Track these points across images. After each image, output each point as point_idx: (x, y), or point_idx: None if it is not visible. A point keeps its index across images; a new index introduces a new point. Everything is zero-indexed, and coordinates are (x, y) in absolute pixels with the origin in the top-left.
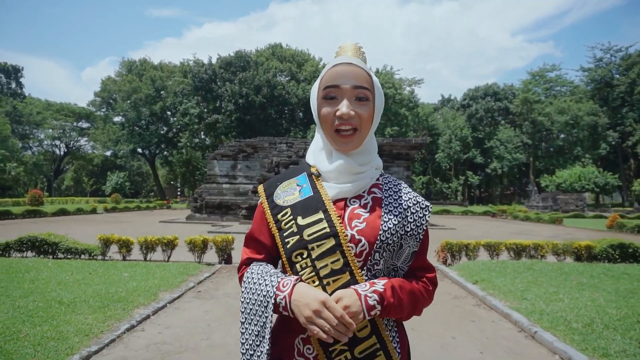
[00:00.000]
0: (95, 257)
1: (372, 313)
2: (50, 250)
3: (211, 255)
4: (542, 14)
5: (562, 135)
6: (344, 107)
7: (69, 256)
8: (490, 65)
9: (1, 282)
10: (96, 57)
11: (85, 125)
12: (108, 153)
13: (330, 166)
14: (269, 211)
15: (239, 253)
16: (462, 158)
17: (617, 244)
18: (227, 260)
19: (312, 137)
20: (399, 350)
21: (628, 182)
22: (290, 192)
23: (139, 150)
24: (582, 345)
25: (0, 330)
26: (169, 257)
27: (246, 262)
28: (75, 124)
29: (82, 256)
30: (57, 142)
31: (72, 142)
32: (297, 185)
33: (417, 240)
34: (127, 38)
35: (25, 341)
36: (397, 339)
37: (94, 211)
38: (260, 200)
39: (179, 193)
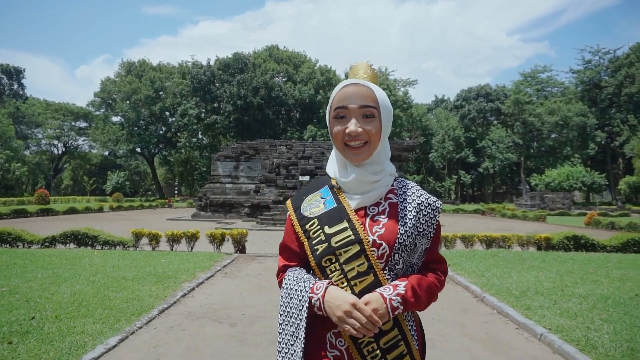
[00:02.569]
0: (128, 247)
1: (396, 313)
2: (90, 243)
3: (227, 247)
4: (538, 13)
5: (553, 135)
6: (351, 126)
7: (105, 247)
8: (486, 64)
9: (67, 266)
10: (90, 55)
11: (83, 125)
12: (106, 153)
13: (347, 179)
14: (297, 222)
15: (251, 245)
16: (455, 157)
17: (572, 236)
18: (242, 250)
19: (309, 137)
20: (416, 338)
21: (617, 180)
22: (315, 205)
23: (138, 150)
24: (513, 303)
25: (94, 294)
26: (192, 248)
27: (282, 269)
28: (73, 123)
29: (117, 247)
30: (55, 142)
31: (70, 142)
32: (321, 197)
33: (428, 238)
34: (122, 36)
35: (116, 300)
36: (415, 329)
37: (100, 210)
38: (289, 213)
39: (176, 192)
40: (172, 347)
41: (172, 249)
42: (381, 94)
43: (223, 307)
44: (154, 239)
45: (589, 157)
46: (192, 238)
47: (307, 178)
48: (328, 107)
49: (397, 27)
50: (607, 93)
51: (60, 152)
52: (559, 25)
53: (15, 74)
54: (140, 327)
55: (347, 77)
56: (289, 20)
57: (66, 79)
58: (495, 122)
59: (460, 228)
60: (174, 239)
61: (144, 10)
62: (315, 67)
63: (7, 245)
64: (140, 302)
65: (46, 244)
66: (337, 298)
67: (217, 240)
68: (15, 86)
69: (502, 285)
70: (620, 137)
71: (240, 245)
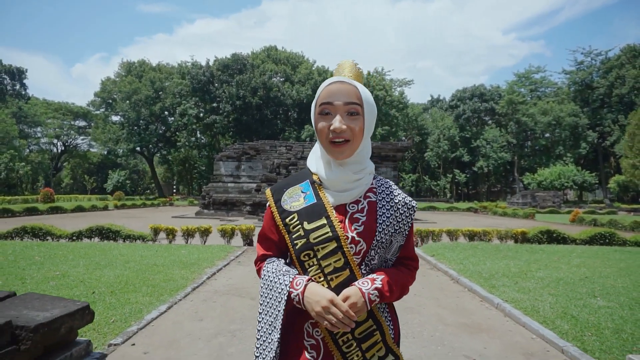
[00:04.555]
0: (147, 241)
1: (372, 305)
2: (113, 237)
3: (236, 240)
4: (534, 12)
5: (546, 135)
6: (336, 122)
7: (126, 241)
8: (482, 63)
9: (101, 255)
10: (86, 53)
11: (82, 124)
12: (105, 152)
13: (330, 177)
14: (277, 215)
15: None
16: (450, 157)
17: (545, 230)
18: (250, 243)
19: (307, 137)
20: (392, 327)
21: (608, 179)
22: (295, 199)
23: (138, 149)
24: (482, 283)
25: (135, 277)
26: (205, 241)
27: (261, 258)
28: (72, 122)
29: (137, 241)
30: (55, 141)
31: (69, 141)
32: (302, 192)
33: (403, 236)
34: (118, 34)
35: (155, 281)
36: (390, 318)
37: (106, 208)
38: (268, 203)
39: (174, 190)
40: (209, 313)
41: (187, 242)
42: (365, 92)
43: (242, 286)
44: (171, 233)
45: (581, 157)
46: (205, 233)
47: None
48: (313, 103)
49: (393, 26)
50: (598, 94)
51: (59, 151)
52: (555, 24)
53: (17, 74)
54: (180, 300)
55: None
56: (285, 18)
57: (62, 77)
58: (489, 121)
59: (451, 225)
60: (188, 234)
61: (140, 8)
62: (313, 68)
63: (38, 239)
64: (175, 282)
65: (73, 237)
66: (316, 294)
67: (228, 234)
68: (18, 86)
69: (476, 270)
70: (611, 136)
71: (248, 239)
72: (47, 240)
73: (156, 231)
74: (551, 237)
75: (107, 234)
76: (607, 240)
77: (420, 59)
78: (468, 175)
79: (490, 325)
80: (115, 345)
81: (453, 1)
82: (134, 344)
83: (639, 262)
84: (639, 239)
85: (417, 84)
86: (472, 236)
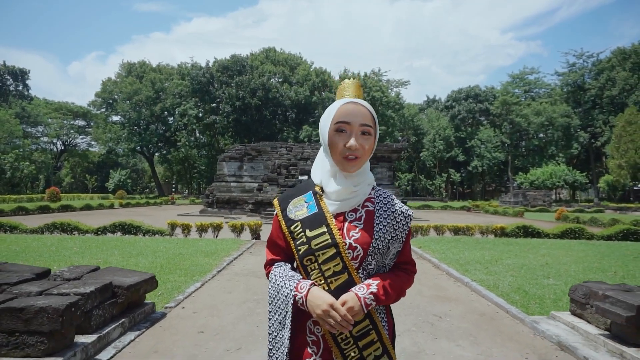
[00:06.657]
0: (165, 235)
1: (369, 308)
2: (134, 231)
3: (244, 235)
4: (532, 11)
5: (540, 135)
6: (352, 141)
7: (147, 235)
8: (479, 62)
9: (130, 247)
10: (82, 51)
11: (81, 123)
12: (105, 151)
13: (332, 187)
14: (284, 223)
15: (264, 234)
16: (445, 156)
17: (522, 225)
18: (258, 237)
19: (305, 137)
20: (387, 328)
21: (599, 179)
22: (299, 208)
23: (138, 148)
24: (457, 268)
25: (166, 263)
26: (217, 236)
27: (270, 262)
28: (72, 122)
29: (156, 235)
30: (55, 140)
31: (69, 140)
32: (305, 202)
33: (401, 242)
34: (114, 32)
35: (185, 265)
36: (385, 319)
37: (111, 206)
38: (276, 212)
39: (173, 189)
40: (235, 288)
41: (200, 237)
42: (375, 114)
43: (257, 270)
44: (186, 228)
45: (573, 157)
46: (217, 228)
47: (305, 177)
48: (327, 119)
49: (390, 25)
50: (590, 95)
51: (59, 150)
52: (552, 24)
53: (20, 75)
54: (209, 279)
55: (341, 79)
56: (282, 17)
57: (59, 75)
58: (484, 122)
59: (443, 223)
60: (202, 229)
61: (136, 6)
62: (311, 69)
63: (67, 233)
64: (201, 267)
65: (98, 232)
66: (318, 298)
67: (238, 229)
68: (20, 87)
69: (454, 258)
70: (602, 137)
71: (256, 234)
72: (74, 234)
73: (173, 226)
74: (527, 232)
75: (129, 229)
76: (576, 235)
77: (417, 58)
78: (463, 175)
79: (457, 297)
80: (170, 307)
81: (451, 0)
82: (183, 307)
83: (595, 252)
84: (604, 233)
85: (414, 83)
86: (456, 231)
